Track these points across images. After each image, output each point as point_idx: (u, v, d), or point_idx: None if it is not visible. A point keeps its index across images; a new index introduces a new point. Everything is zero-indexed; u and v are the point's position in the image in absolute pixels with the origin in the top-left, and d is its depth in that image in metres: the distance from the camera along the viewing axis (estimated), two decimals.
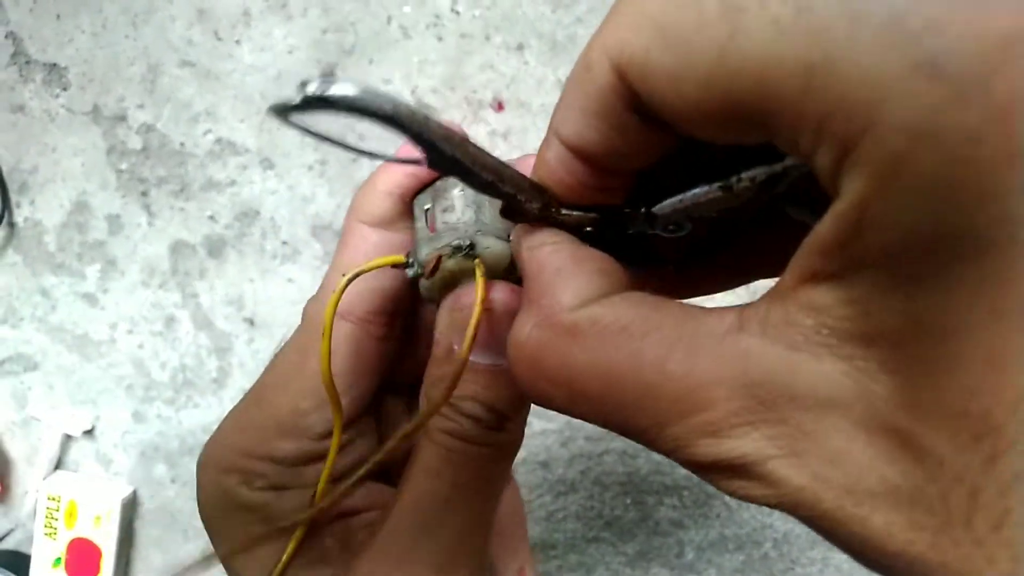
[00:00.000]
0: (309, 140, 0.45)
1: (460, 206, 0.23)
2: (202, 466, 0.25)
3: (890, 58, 0.10)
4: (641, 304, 0.16)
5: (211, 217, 0.47)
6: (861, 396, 0.13)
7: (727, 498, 0.48)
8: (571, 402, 0.16)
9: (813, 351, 0.13)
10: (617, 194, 0.18)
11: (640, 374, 0.15)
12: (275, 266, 0.47)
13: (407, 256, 0.23)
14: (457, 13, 0.43)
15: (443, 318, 0.23)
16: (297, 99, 0.13)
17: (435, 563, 0.22)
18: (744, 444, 0.14)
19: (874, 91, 0.11)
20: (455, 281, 0.23)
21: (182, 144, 0.46)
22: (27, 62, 0.46)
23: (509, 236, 0.21)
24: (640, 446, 0.47)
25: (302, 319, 0.25)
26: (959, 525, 0.12)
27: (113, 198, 0.47)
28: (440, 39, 0.44)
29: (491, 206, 0.22)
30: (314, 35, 0.44)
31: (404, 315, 0.26)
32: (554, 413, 0.51)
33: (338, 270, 0.24)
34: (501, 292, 0.22)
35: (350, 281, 0.22)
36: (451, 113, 0.44)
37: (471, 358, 0.21)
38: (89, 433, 0.50)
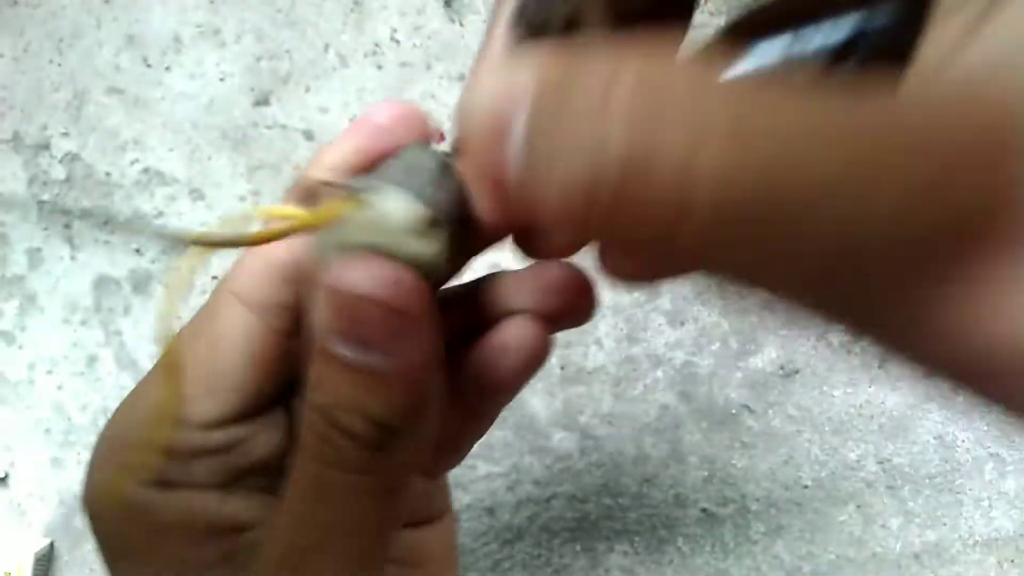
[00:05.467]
0: (240, 170, 0.43)
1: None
2: (91, 460, 0.21)
3: None
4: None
5: (137, 250, 0.44)
6: None
7: (680, 543, 0.46)
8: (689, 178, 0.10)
9: None
10: None
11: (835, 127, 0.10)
12: (204, 302, 0.44)
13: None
14: (397, 42, 0.42)
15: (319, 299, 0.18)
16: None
17: None
18: None
19: None
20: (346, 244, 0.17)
21: (108, 174, 0.44)
22: None
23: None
24: (590, 490, 0.45)
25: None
26: None
27: (34, 231, 0.45)
28: (380, 68, 0.42)
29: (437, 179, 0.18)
30: (248, 62, 0.42)
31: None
32: (500, 455, 0.48)
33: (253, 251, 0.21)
34: (369, 270, 0.16)
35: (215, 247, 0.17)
36: None
37: (341, 351, 0.16)
38: (2, 481, 0.47)
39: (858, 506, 0.46)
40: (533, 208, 0.12)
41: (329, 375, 0.17)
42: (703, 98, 0.11)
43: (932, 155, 0.10)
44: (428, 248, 0.17)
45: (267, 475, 0.21)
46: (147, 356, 0.45)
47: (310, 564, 0.18)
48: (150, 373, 0.22)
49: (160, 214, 0.44)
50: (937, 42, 0.12)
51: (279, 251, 0.20)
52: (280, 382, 0.21)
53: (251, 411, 0.21)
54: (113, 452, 0.21)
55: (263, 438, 0.21)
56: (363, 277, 0.16)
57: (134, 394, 0.22)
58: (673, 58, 0.12)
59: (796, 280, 0.12)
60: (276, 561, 0.19)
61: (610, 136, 0.11)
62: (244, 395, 0.21)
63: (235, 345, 0.20)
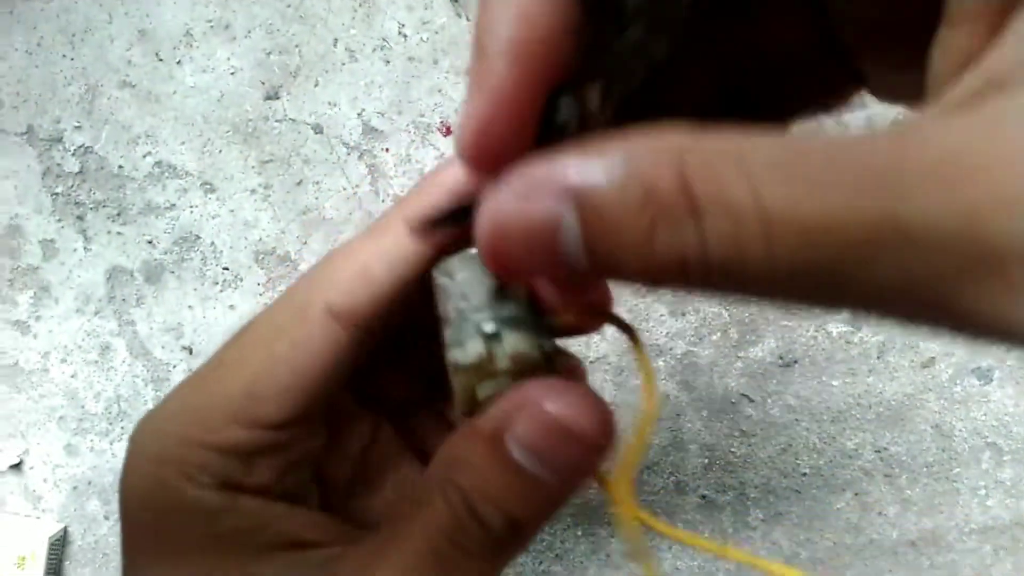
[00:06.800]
0: (251, 163, 0.44)
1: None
2: (133, 450, 0.21)
3: None
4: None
5: (150, 242, 0.45)
6: None
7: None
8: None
9: None
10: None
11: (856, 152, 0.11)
12: (216, 293, 0.45)
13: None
14: (405, 37, 0.43)
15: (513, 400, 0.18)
16: None
17: None
18: None
19: None
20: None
21: (120, 167, 0.45)
22: None
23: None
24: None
25: (285, 293, 0.21)
26: None
27: (48, 222, 0.46)
28: (388, 62, 0.43)
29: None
30: (258, 56, 0.43)
31: (399, 317, 0.22)
32: None
33: (351, 250, 0.21)
34: (584, 404, 0.18)
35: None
36: (398, 136, 0.43)
37: (516, 455, 0.18)
38: (16, 467, 0.48)
39: (855, 494, 0.47)
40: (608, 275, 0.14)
41: (486, 467, 0.18)
42: (749, 158, 0.12)
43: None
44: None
45: (310, 469, 0.22)
46: (159, 346, 0.46)
47: None
48: (213, 358, 0.22)
49: (172, 206, 0.44)
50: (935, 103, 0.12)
51: (377, 266, 0.20)
52: (337, 386, 0.22)
53: (313, 414, 0.21)
54: (167, 448, 0.20)
55: (310, 442, 0.22)
56: (576, 410, 0.18)
57: (197, 378, 0.21)
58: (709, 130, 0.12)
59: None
60: None
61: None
62: (313, 399, 0.21)
63: (318, 353, 0.20)
